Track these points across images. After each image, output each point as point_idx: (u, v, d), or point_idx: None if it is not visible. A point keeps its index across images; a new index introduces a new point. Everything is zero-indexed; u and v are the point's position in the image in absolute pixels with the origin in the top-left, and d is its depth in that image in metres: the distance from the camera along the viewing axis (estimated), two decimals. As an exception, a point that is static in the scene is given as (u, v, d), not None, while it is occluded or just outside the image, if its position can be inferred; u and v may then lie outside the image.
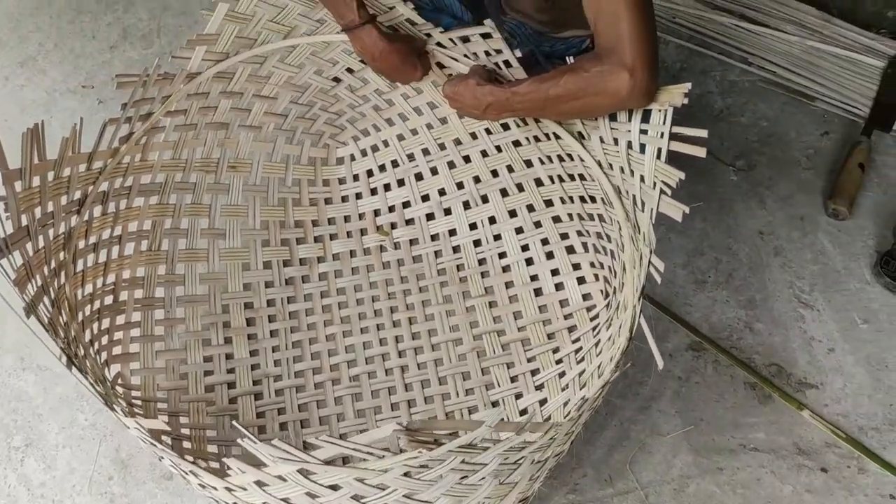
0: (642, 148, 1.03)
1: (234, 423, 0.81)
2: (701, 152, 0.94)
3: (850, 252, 1.43)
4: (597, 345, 1.20)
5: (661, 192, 0.98)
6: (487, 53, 1.25)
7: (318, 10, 1.23)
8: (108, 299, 1.20)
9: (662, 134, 0.98)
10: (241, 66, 1.26)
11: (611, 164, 1.14)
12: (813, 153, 1.57)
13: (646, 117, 1.03)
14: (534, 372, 1.27)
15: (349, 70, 1.37)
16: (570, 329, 1.30)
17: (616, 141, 1.10)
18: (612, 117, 1.10)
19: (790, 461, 1.21)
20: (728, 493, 1.19)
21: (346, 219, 1.46)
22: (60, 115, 1.71)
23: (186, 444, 1.18)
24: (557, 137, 1.26)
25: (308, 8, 1.22)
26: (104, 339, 1.18)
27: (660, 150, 0.99)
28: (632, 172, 1.06)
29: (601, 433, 1.25)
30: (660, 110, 0.99)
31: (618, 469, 1.21)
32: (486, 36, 1.21)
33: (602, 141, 1.14)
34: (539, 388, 1.25)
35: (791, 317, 1.36)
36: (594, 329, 1.26)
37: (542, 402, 1.23)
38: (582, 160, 1.21)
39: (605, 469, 1.21)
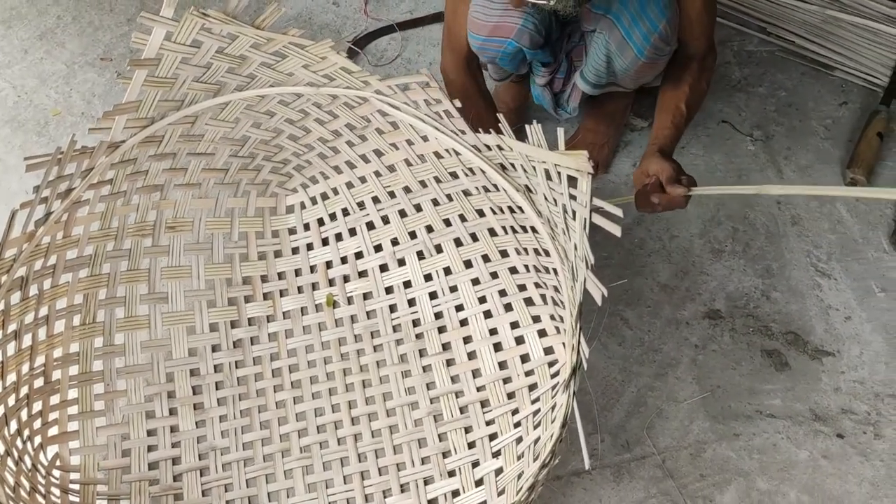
0: (574, 214, 0.98)
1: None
2: (616, 230, 0.91)
3: (867, 221, 1.42)
4: (553, 408, 1.14)
5: (587, 268, 0.92)
6: (428, 102, 1.19)
7: (246, 65, 1.16)
8: (39, 382, 1.14)
9: (586, 203, 0.94)
10: (170, 128, 1.18)
11: (556, 223, 1.08)
12: (831, 123, 1.55)
13: (573, 183, 0.98)
14: (492, 437, 1.21)
15: (289, 121, 1.30)
16: (531, 387, 1.24)
17: (556, 201, 1.04)
18: (549, 176, 1.04)
19: (806, 427, 1.21)
20: (744, 458, 1.19)
21: (297, 272, 1.39)
22: (80, 87, 1.69)
23: (126, 532, 1.13)
24: (506, 190, 1.19)
25: (235, 65, 1.15)
26: (37, 423, 1.13)
27: (585, 220, 0.94)
28: (569, 237, 1.01)
29: (618, 399, 1.24)
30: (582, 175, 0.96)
31: (635, 435, 1.21)
32: (425, 85, 1.15)
33: (545, 199, 1.08)
34: (496, 454, 1.19)
35: (808, 285, 1.36)
36: (553, 388, 1.20)
37: (499, 471, 1.17)
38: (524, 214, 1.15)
39: (623, 435, 1.21)
